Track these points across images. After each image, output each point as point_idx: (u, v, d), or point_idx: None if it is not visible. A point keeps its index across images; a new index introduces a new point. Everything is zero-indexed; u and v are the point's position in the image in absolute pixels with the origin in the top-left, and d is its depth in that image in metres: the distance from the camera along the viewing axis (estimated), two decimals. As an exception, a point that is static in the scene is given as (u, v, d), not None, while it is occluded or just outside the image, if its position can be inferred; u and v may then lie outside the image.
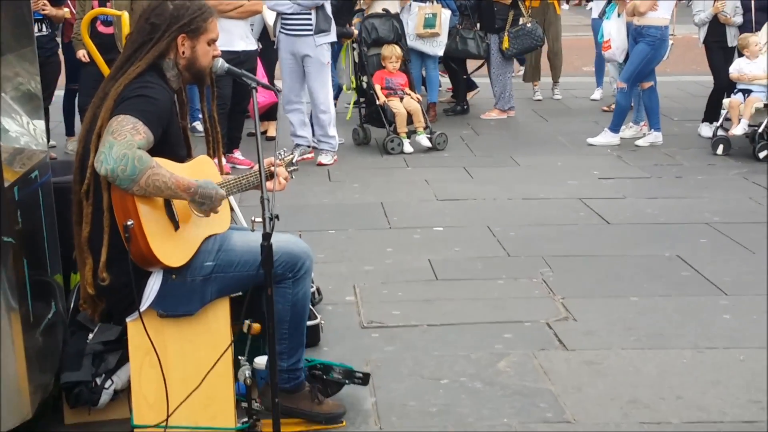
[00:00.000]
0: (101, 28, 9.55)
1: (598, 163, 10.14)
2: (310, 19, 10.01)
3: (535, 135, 11.70)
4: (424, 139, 10.81)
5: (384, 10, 11.55)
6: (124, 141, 3.83)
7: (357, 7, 12.15)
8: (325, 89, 10.24)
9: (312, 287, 6.06)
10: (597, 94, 13.79)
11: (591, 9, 13.78)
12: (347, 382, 4.81)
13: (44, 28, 9.69)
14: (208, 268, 4.18)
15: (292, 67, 10.27)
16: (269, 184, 4.51)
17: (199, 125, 11.86)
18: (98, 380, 4.48)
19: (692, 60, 16.09)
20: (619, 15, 11.09)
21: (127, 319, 4.18)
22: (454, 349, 5.50)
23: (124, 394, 4.53)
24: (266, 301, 3.84)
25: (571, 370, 5.24)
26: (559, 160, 10.27)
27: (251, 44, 9.91)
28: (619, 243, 7.44)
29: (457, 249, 7.31)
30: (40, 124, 4.76)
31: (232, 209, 5.48)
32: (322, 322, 5.67)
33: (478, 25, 12.55)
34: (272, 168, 4.56)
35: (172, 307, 4.15)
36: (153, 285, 4.11)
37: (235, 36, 9.66)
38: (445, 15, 12.06)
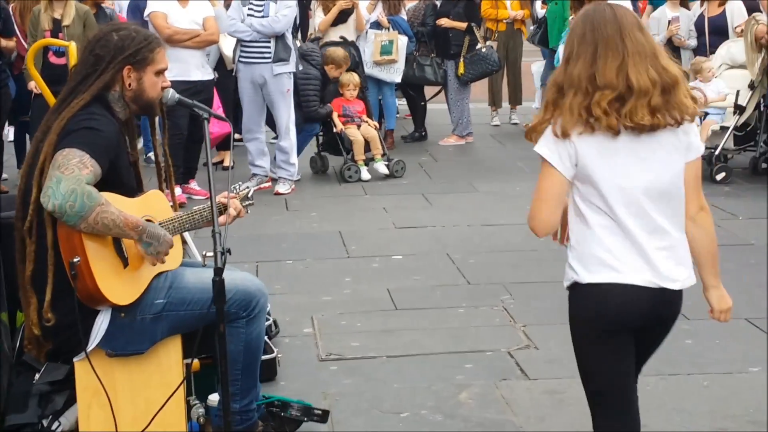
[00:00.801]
0: (53, 59, 9.42)
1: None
2: (269, 47, 9.93)
3: (494, 161, 11.65)
4: (381, 167, 10.72)
5: (341, 37, 11.48)
6: (72, 176, 3.71)
7: (311, 36, 12.08)
8: (286, 116, 10.13)
9: (269, 320, 5.94)
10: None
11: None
12: (305, 419, 4.69)
13: (-7, 61, 9.53)
14: (159, 306, 4.05)
15: (251, 95, 10.18)
16: (222, 219, 4.39)
17: (152, 156, 11.71)
18: (45, 422, 4.30)
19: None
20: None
21: (75, 359, 4.04)
22: (415, 381, 5.39)
23: (73, 435, 4.38)
24: (218, 339, 3.71)
25: (534, 400, 5.15)
26: (517, 186, 10.20)
27: (207, 74, 9.81)
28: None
29: (417, 278, 7.21)
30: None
31: (185, 243, 5.34)
32: (279, 355, 5.54)
33: (435, 51, 12.49)
34: (224, 201, 4.43)
35: (120, 347, 4.02)
36: (101, 324, 3.97)
37: (191, 65, 9.57)
38: (402, 41, 12.01)
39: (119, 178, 4.04)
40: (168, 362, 4.13)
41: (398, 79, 12.17)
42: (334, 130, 10.77)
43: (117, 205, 3.87)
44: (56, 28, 9.38)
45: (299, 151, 10.84)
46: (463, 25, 12.21)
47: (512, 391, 5.26)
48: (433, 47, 12.49)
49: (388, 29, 12.02)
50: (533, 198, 3.57)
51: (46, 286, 3.87)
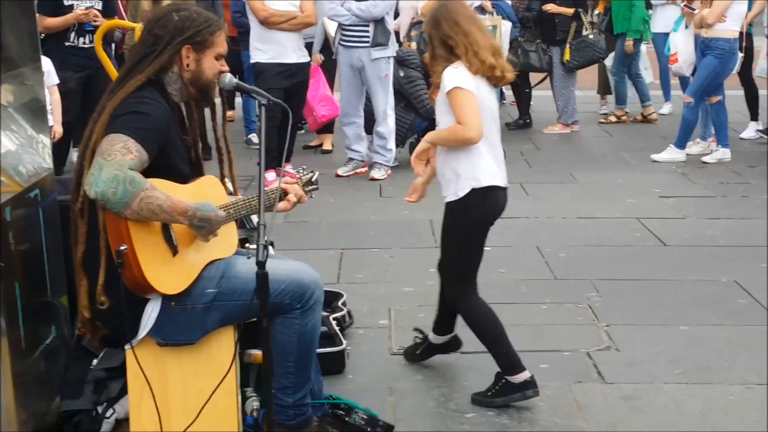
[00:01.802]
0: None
1: (661, 181, 9.75)
2: (367, 31, 9.81)
3: (598, 150, 11.34)
4: (480, 154, 10.49)
5: (443, 21, 11.27)
6: (114, 162, 3.62)
7: (415, 19, 11.90)
8: (384, 102, 10.00)
9: (343, 310, 5.84)
10: (666, 109, 13.36)
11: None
12: (368, 429, 4.54)
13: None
14: (210, 296, 3.95)
15: (350, 79, 10.09)
16: (281, 205, 4.28)
17: (254, 137, 11.74)
18: (99, 409, 4.27)
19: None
20: (686, 27, 10.68)
21: (126, 347, 3.97)
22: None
23: (127, 423, 4.30)
24: (262, 334, 3.59)
25: (608, 406, 4.92)
26: (620, 177, 9.90)
27: (303, 56, 9.73)
28: (674, 267, 7.08)
29: (503, 270, 7.01)
30: (46, 140, 4.57)
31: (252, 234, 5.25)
32: (348, 348, 5.41)
33: (540, 37, 12.20)
34: (285, 186, 4.31)
35: (171, 336, 3.94)
36: (151, 312, 3.89)
37: (287, 48, 9.53)
38: (506, 27, 11.75)
39: (171, 163, 3.95)
40: (220, 353, 4.02)
41: (503, 66, 11.90)
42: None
43: (166, 190, 3.78)
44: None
45: (405, 140, 10.71)
46: (570, 10, 11.92)
47: (586, 394, 5.04)
48: (539, 33, 12.20)
49: (492, 14, 11.77)
50: (465, 117, 4.78)
51: (98, 268, 3.80)
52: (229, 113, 12.43)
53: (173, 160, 3.97)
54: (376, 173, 10.04)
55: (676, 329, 5.89)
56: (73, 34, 9.33)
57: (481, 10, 11.75)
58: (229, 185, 4.40)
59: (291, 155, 10.08)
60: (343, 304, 5.95)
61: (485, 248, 7.58)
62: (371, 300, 6.43)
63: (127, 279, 3.74)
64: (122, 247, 3.68)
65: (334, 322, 5.59)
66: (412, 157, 5.35)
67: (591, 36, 11.96)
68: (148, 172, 3.79)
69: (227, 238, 4.06)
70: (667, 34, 11.46)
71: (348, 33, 9.90)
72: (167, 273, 3.82)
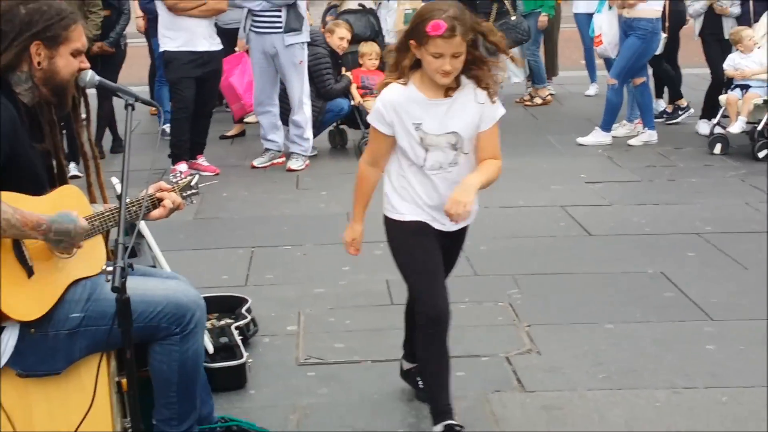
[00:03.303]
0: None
1: (587, 166, 9.48)
2: (279, 17, 9.39)
3: (523, 134, 11.01)
4: (402, 141, 10.13)
5: (360, 5, 10.92)
6: None
7: (330, 4, 11.52)
8: (299, 89, 9.59)
9: (247, 318, 5.45)
10: (592, 90, 13.12)
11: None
12: (264, 449, 4.17)
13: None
14: (75, 321, 3.53)
15: (263, 66, 9.67)
16: (156, 212, 3.88)
17: (168, 128, 11.29)
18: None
19: (692, 51, 15.34)
20: (610, 8, 10.40)
21: (-16, 379, 3.55)
22: (396, 392, 4.85)
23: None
24: (126, 366, 3.19)
25: (527, 417, 4.59)
26: (545, 163, 9.62)
27: (215, 44, 9.31)
28: (599, 258, 6.78)
29: (420, 267, 6.64)
30: None
31: (140, 241, 4.84)
32: (250, 360, 5.02)
33: (462, 19, 11.84)
34: (160, 194, 3.89)
35: (32, 366, 3.53)
36: (8, 340, 3.47)
37: (197, 35, 9.12)
38: (427, 9, 11.37)
39: (20, 174, 3.50)
40: (91, 382, 3.61)
41: (422, 49, 11.55)
42: (352, 102, 10.20)
43: (17, 203, 3.35)
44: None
45: (323, 130, 10.32)
46: (492, -9, 11.58)
47: (504, 405, 4.70)
48: (460, 15, 11.84)
49: (412, -3, 11.42)
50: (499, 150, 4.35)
51: None
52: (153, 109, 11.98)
53: (23, 169, 3.52)
54: (293, 164, 9.64)
55: (600, 328, 5.59)
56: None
57: (400, -8, 11.40)
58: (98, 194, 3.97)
59: (204, 147, 9.62)
60: (248, 310, 5.55)
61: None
62: (280, 304, 6.05)
63: (-25, 306, 3.32)
64: (-33, 271, 3.26)
65: (236, 332, 5.21)
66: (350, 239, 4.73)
67: (513, 18, 11.62)
68: None
69: (94, 253, 3.63)
70: (590, 15, 11.20)
71: (259, 19, 9.47)
72: (21, 297, 3.39)
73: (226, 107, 12.02)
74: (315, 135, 10.01)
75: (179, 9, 9.02)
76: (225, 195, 8.75)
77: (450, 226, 4.32)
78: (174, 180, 4.09)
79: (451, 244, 4.49)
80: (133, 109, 3.70)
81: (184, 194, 4.08)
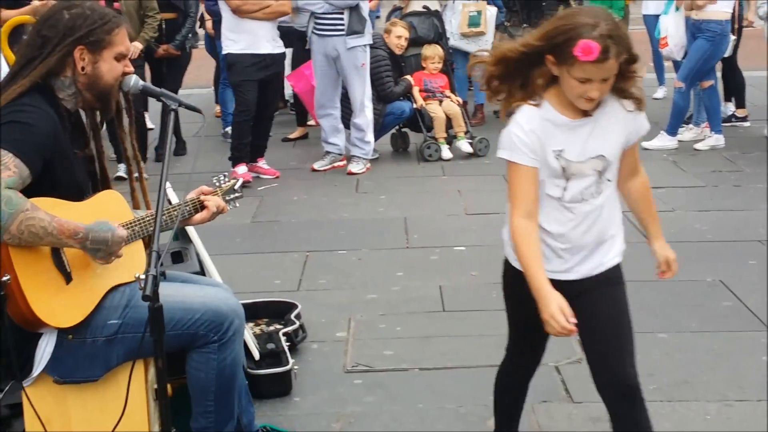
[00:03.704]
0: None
1: (651, 170, 8.99)
2: (342, 20, 9.38)
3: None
4: (464, 145, 10.10)
5: (424, 7, 10.85)
6: None
7: (394, 7, 11.49)
8: (361, 92, 9.58)
9: (296, 324, 5.44)
10: (660, 93, 12.91)
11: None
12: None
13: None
14: (113, 327, 3.54)
15: (325, 69, 9.66)
16: (198, 216, 3.88)
17: (231, 130, 11.35)
18: (0, 450, 3.89)
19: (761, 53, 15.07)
20: (677, 9, 10.22)
21: (23, 385, 3.57)
22: (443, 400, 4.81)
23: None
24: (157, 374, 3.19)
25: (574, 429, 4.52)
26: (609, 167, 9.45)
27: (278, 47, 9.31)
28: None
29: (475, 273, 6.59)
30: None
31: (187, 246, 4.85)
32: (296, 367, 5.02)
33: (527, 21, 11.72)
34: (203, 198, 3.89)
35: (69, 373, 3.55)
36: (45, 346, 3.49)
37: (260, 38, 9.13)
38: (491, 12, 11.31)
39: (60, 179, 3.52)
40: (132, 389, 3.61)
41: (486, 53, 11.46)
42: (414, 106, 10.17)
43: (55, 211, 3.37)
44: (110, -3, 9.03)
45: (384, 133, 10.30)
46: (558, -8, 11.44)
47: (551, 416, 4.64)
48: (525, 17, 11.73)
49: (477, -1, 11.34)
50: None
51: None
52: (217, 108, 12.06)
53: (63, 175, 3.54)
54: (354, 167, 9.62)
55: (654, 337, 5.48)
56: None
57: (466, -7, 11.33)
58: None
59: (264, 150, 9.65)
60: (297, 316, 5.54)
61: (460, 248, 7.28)
62: (331, 309, 6.03)
63: (13, 313, 3.34)
64: (4, 278, 3.28)
65: (283, 338, 5.20)
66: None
67: (579, 19, 11.47)
68: (33, 189, 3.39)
69: (133, 259, 3.64)
70: (657, 17, 10.99)
71: (322, 21, 9.47)
72: (60, 304, 3.41)
73: (291, 110, 12.06)
74: (376, 138, 9.99)
75: (243, 11, 9.06)
76: (284, 198, 8.77)
77: (582, 272, 3.64)
78: (217, 183, 4.08)
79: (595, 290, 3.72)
80: (175, 114, 3.70)
81: (228, 197, 4.07)
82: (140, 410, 3.60)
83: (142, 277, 3.18)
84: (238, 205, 4.16)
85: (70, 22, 3.57)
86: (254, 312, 5.66)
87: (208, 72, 12.84)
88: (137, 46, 9.19)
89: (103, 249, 3.44)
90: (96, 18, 3.60)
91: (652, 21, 11.66)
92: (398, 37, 10.15)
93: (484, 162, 9.90)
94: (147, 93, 3.75)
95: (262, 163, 9.59)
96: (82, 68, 3.60)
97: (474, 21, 11.28)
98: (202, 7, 11.51)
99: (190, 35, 10.47)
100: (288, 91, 11.58)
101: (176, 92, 10.51)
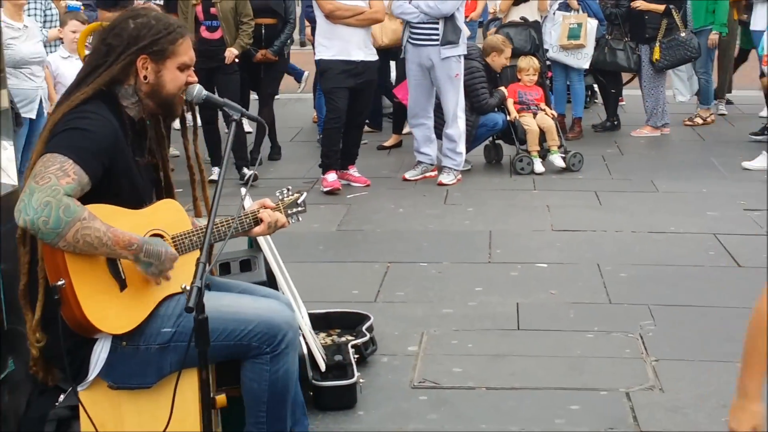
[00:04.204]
0: (205, 34, 9.20)
1: (749, 191, 9.04)
2: (437, 29, 9.34)
3: (686, 156, 10.64)
4: (557, 159, 9.97)
5: (522, 18, 10.75)
6: (47, 186, 3.26)
7: (492, 16, 11.40)
8: (454, 103, 9.52)
9: (366, 336, 5.41)
10: (765, 111, 12.56)
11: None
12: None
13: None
14: (166, 336, 3.56)
15: (419, 79, 9.64)
16: (257, 229, 3.87)
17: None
18: (59, 451, 3.93)
19: None
20: (782, 25, 9.96)
21: (78, 389, 3.61)
22: (506, 422, 4.73)
23: (90, 466, 3.96)
24: (200, 386, 3.19)
25: (637, 460, 4.40)
26: (704, 186, 9.25)
27: (371, 54, 9.29)
28: (745, 292, 6.41)
29: (554, 291, 6.49)
30: (6, 152, 4.23)
31: (256, 255, 4.86)
32: (362, 381, 4.98)
33: (628, 35, 11.53)
34: (260, 212, 3.89)
35: (123, 379, 3.57)
36: (100, 352, 3.53)
37: (352, 45, 9.13)
38: (591, 25, 11.15)
39: (119, 187, 3.55)
40: (182, 397, 3.62)
41: (586, 66, 11.34)
42: (507, 118, 10.07)
43: (112, 218, 3.40)
44: (207, 2, 9.13)
45: (476, 145, 10.23)
46: (661, 7, 11.19)
47: (615, 445, 4.53)
48: (627, 30, 11.54)
49: (578, 11, 11.18)
50: None
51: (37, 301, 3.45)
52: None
53: (123, 182, 3.57)
54: (445, 178, 9.56)
55: (733, 367, 5.25)
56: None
57: (566, 7, 11.20)
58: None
59: (356, 157, 9.65)
60: (369, 328, 5.52)
61: (542, 265, 7.17)
62: (405, 322, 5.99)
63: (67, 317, 3.38)
64: (59, 282, 3.32)
65: (352, 351, 5.18)
66: None
67: (683, 34, 11.25)
68: (93, 196, 3.43)
69: (190, 268, 3.64)
70: (763, 32, 10.72)
71: (416, 31, 9.44)
72: (113, 311, 3.44)
73: (388, 117, 12.06)
74: (468, 150, 9.93)
75: (336, 17, 9.08)
76: (371, 207, 8.76)
77: None
78: (280, 197, 4.07)
79: None
80: (237, 124, 3.70)
81: (290, 211, 4.05)
82: (192, 418, 3.60)
83: (189, 288, 3.18)
84: (300, 219, 4.13)
85: (134, 32, 3.61)
86: (327, 322, 5.67)
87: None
88: (233, 52, 9.29)
89: (155, 264, 3.45)
90: (160, 28, 3.63)
91: (758, 37, 11.37)
92: (507, 58, 10.11)
93: (576, 177, 9.76)
94: (210, 103, 3.75)
95: (352, 171, 9.59)
96: (144, 77, 3.63)
97: (574, 33, 11.13)
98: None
99: (288, 41, 10.55)
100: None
101: (273, 97, 10.70)
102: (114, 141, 3.51)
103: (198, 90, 3.72)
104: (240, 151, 9.70)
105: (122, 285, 3.47)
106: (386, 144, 11.26)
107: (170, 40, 3.63)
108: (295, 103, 13.84)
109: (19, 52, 7.93)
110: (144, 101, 3.67)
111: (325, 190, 9.17)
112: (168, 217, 3.65)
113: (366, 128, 11.70)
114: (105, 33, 3.68)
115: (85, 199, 3.41)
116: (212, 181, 9.33)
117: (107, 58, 3.61)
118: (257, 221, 3.88)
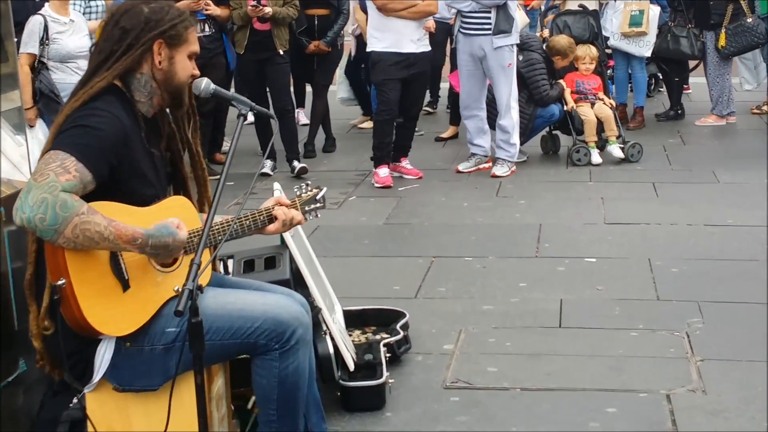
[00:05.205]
0: (258, 26, 9.10)
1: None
2: (489, 19, 9.16)
3: (751, 146, 10.30)
4: (615, 150, 9.72)
5: (580, 6, 10.51)
6: (45, 183, 3.17)
7: (552, 4, 11.17)
8: (507, 93, 9.33)
9: (400, 334, 5.28)
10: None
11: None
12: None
13: (207, 28, 9.28)
14: (171, 336, 3.47)
15: (471, 69, 9.47)
16: (271, 227, 3.77)
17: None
18: (71, 453, 3.85)
19: None
20: None
21: (84, 390, 3.54)
22: (538, 425, 4.57)
23: (103, 468, 3.89)
24: (197, 392, 3.08)
25: (672, 466, 4.22)
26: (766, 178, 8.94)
27: (423, 46, 9.15)
28: (801, 289, 6.20)
29: (600, 288, 6.30)
30: (20, 148, 4.17)
31: (281, 252, 4.74)
32: (391, 381, 4.86)
33: (692, 21, 11.20)
34: (274, 209, 3.77)
35: (128, 381, 3.49)
36: (104, 353, 3.44)
37: (404, 37, 8.99)
38: (654, 12, 10.86)
39: (130, 185, 3.46)
40: (192, 400, 3.52)
41: (648, 53, 11.06)
42: (565, 107, 9.85)
43: (118, 215, 3.30)
44: (257, -8, 9.05)
45: (533, 136, 10.03)
46: (727, -8, 10.89)
47: (649, 449, 4.35)
48: (691, 17, 11.21)
49: (639, -3, 10.90)
50: None
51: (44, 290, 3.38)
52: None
53: (132, 181, 3.47)
54: (498, 170, 9.38)
55: (778, 368, 5.08)
56: (183, 23, 9.05)
57: (628, -8, 10.92)
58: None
59: (409, 149, 9.51)
60: (403, 326, 5.38)
61: (590, 260, 6.97)
62: (444, 319, 5.85)
63: (68, 318, 3.31)
64: (60, 282, 3.24)
65: (383, 349, 5.05)
66: None
67: (749, 20, 10.90)
68: (102, 193, 3.34)
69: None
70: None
71: (468, 20, 9.27)
72: (114, 312, 3.35)
73: (447, 108, 11.91)
74: (524, 142, 9.74)
75: (389, 9, 8.94)
76: (422, 200, 8.63)
77: None
78: (298, 193, 3.96)
79: None
80: (245, 119, 3.59)
81: (307, 208, 3.94)
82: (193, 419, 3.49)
83: (187, 286, 3.06)
84: (319, 215, 4.02)
85: (151, 15, 3.53)
86: (363, 319, 5.56)
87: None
88: (267, 11, 9.00)
89: (163, 253, 3.37)
90: (175, 14, 3.57)
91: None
92: (569, 62, 9.94)
93: (635, 168, 9.51)
94: (218, 97, 3.64)
95: (405, 163, 9.46)
96: (159, 62, 3.54)
97: (636, 20, 10.86)
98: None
99: (342, 32, 10.45)
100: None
101: (327, 88, 10.61)
102: (123, 139, 3.42)
103: (206, 83, 3.61)
104: (291, 144, 9.61)
105: (125, 285, 3.38)
106: (443, 135, 11.10)
107: (184, 27, 3.58)
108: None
109: (66, 47, 7.92)
110: (155, 92, 3.58)
111: (377, 185, 9.05)
112: (177, 213, 3.53)
113: (361, 117, 11.59)
114: (117, 16, 3.58)
115: (94, 196, 3.33)
116: (264, 174, 9.34)
117: (121, 42, 3.51)
118: (271, 219, 3.77)
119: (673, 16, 11.28)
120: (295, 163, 9.49)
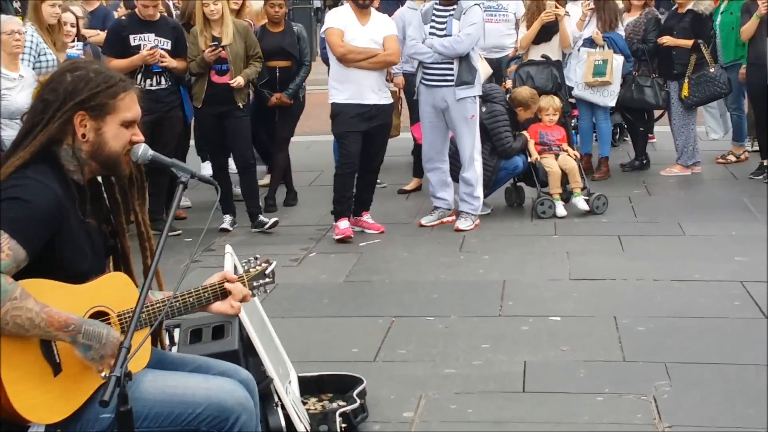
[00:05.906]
0: (215, 78, 8.93)
1: None
2: (451, 70, 9.04)
3: (717, 196, 10.21)
4: (580, 202, 9.59)
5: (543, 56, 10.41)
6: None
7: (513, 54, 11.08)
8: (470, 145, 9.19)
9: (356, 403, 5.07)
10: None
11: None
12: None
13: (163, 81, 9.09)
14: (105, 422, 3.25)
15: (433, 121, 9.33)
16: (220, 306, 3.56)
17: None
18: None
19: None
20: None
21: (13, 481, 3.30)
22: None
23: None
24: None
25: None
26: (734, 229, 8.81)
27: (385, 98, 9.00)
28: (770, 347, 6.05)
29: (565, 348, 6.12)
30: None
31: (231, 320, 4.54)
32: (345, 454, 4.65)
33: (656, 71, 11.13)
34: (227, 285, 3.57)
35: (60, 470, 3.26)
36: (31, 441, 3.22)
37: (365, 87, 8.84)
38: (617, 62, 10.78)
39: (64, 257, 3.26)
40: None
41: (612, 103, 10.97)
42: (529, 159, 9.72)
43: (51, 294, 3.11)
44: (216, 46, 8.87)
45: (496, 188, 9.88)
46: (689, 42, 10.81)
47: None
48: (655, 66, 11.15)
49: (603, 47, 10.81)
50: None
51: None
52: None
53: (67, 253, 3.27)
54: (462, 224, 9.21)
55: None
56: (139, 76, 8.89)
57: (591, 43, 10.84)
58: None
59: (370, 203, 9.34)
60: (360, 394, 5.18)
61: (555, 318, 6.80)
62: (403, 384, 5.65)
63: (-8, 405, 3.09)
64: (-16, 367, 3.03)
65: (339, 420, 4.84)
66: None
67: (712, 70, 10.85)
68: (34, 268, 3.14)
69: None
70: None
71: (430, 71, 9.14)
72: (44, 398, 3.13)
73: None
74: (488, 194, 9.60)
75: (348, 60, 8.80)
76: (383, 256, 8.44)
77: None
78: (246, 268, 3.76)
79: None
80: (185, 187, 3.40)
81: (255, 284, 3.74)
82: None
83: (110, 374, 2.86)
84: (268, 291, 3.82)
85: (70, 86, 3.33)
86: (320, 385, 5.38)
87: (318, 120, 12.67)
88: (239, 80, 8.91)
89: (95, 347, 3.16)
90: (99, 81, 3.34)
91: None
92: (533, 113, 9.84)
93: (601, 220, 9.38)
94: (157, 163, 3.45)
95: (366, 218, 9.28)
96: (84, 135, 3.34)
97: (600, 70, 10.78)
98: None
99: (304, 84, 10.30)
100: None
101: (288, 141, 10.42)
102: (56, 209, 3.22)
103: (143, 150, 3.42)
104: (252, 198, 9.41)
105: (56, 369, 3.17)
106: (406, 188, 10.94)
107: (110, 95, 3.34)
108: (319, 145, 13.55)
109: (14, 103, 7.71)
110: (86, 162, 3.37)
111: (336, 238, 8.87)
112: (115, 292, 3.34)
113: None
114: (42, 88, 3.40)
115: (25, 272, 3.12)
116: (223, 230, 9.15)
117: (44, 115, 3.33)
118: (217, 295, 3.57)
119: (637, 65, 11.20)
120: (261, 218, 9.29)
